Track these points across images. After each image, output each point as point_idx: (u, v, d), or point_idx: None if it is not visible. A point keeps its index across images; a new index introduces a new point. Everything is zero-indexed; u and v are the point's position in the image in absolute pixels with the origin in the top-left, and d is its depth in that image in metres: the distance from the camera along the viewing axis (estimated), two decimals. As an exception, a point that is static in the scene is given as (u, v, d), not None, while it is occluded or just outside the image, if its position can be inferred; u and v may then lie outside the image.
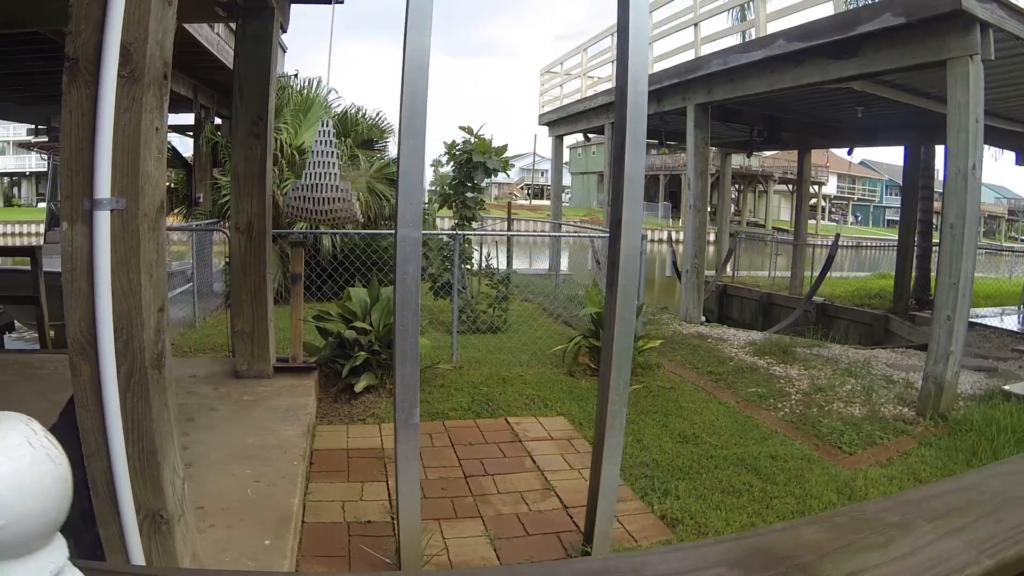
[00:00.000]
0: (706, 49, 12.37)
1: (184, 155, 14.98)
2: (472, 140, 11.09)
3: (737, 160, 41.32)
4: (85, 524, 3.28)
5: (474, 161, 10.86)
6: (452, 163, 11.15)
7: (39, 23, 7.52)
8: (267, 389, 6.93)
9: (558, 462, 5.92)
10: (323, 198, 6.64)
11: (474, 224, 11.10)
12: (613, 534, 4.58)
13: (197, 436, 5.63)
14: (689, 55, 12.78)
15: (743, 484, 5.51)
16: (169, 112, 10.43)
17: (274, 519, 4.30)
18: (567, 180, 75.87)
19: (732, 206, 56.44)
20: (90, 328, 2.91)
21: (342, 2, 7.32)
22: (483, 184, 11.09)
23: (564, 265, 18.35)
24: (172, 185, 14.31)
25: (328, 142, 6.66)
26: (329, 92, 14.71)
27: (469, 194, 10.89)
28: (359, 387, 7.20)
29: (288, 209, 6.89)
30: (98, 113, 2.74)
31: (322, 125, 6.87)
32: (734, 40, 12.23)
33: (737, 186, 56.24)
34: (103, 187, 2.80)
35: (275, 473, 4.99)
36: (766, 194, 57.67)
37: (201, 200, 13.56)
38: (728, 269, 20.27)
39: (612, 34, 16.75)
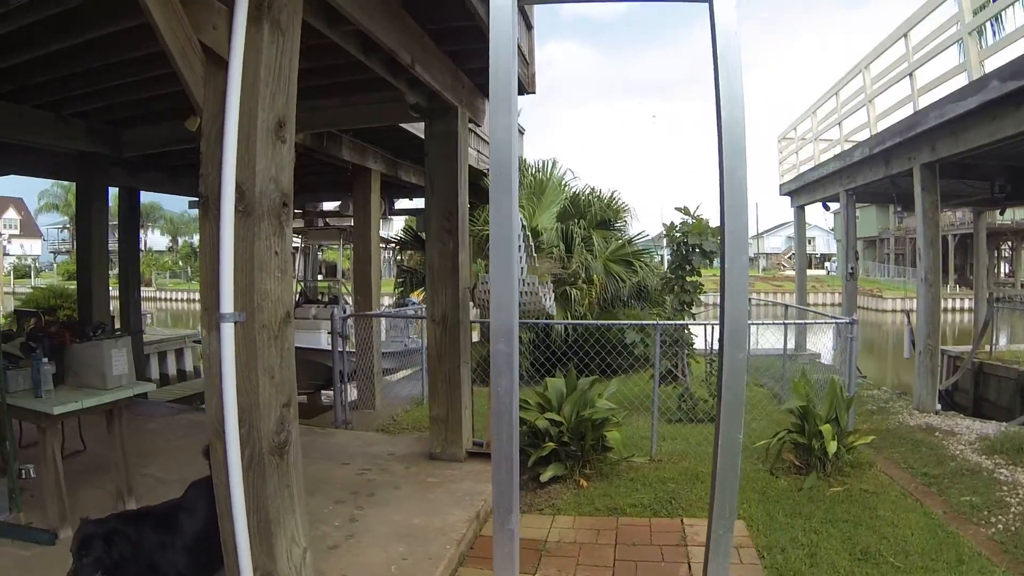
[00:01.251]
0: (927, 100, 11.87)
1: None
2: (689, 221, 11.52)
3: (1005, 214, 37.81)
4: None
5: (690, 244, 11.28)
6: (671, 245, 11.60)
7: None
8: (454, 472, 7.78)
9: (717, 573, 6.10)
10: (509, 292, 7.37)
11: (693, 309, 11.46)
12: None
13: (370, 511, 6.56)
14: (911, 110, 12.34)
15: (907, 624, 5.30)
16: (405, 199, 11.91)
17: (402, 597, 5.02)
18: (832, 247, 72.89)
19: (1005, 266, 51.55)
20: (221, 417, 3.78)
21: (533, 92, 8.24)
22: (700, 267, 11.41)
23: (813, 346, 17.97)
24: (416, 267, 15.89)
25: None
26: (565, 173, 15.73)
27: (688, 278, 11.29)
28: (545, 477, 7.80)
29: (478, 302, 7.71)
30: (220, 242, 3.67)
31: (508, 218, 7.64)
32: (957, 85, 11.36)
33: (1009, 244, 51.73)
34: (227, 303, 3.71)
35: (424, 554, 5.73)
36: (1041, 253, 51.55)
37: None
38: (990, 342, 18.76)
39: (835, 94, 16.43)
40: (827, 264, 74.38)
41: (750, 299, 20.06)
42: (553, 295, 10.19)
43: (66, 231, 78.85)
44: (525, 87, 8.59)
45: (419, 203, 15.79)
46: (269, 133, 3.85)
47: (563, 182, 15.85)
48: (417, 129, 9.91)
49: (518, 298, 7.48)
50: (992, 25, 10.46)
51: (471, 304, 8.23)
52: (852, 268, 16.40)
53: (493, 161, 3.75)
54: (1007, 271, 52.45)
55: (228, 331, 3.71)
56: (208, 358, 3.87)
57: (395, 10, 6.13)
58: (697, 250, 11.24)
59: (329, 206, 18.06)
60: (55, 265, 77.98)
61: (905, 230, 53.23)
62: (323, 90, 8.48)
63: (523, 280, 7.46)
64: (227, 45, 3.78)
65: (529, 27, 8.90)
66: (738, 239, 3.86)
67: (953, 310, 44.82)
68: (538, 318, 9.26)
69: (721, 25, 3.63)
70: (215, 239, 3.69)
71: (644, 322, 11.33)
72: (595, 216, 15.60)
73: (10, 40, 6.40)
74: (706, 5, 3.70)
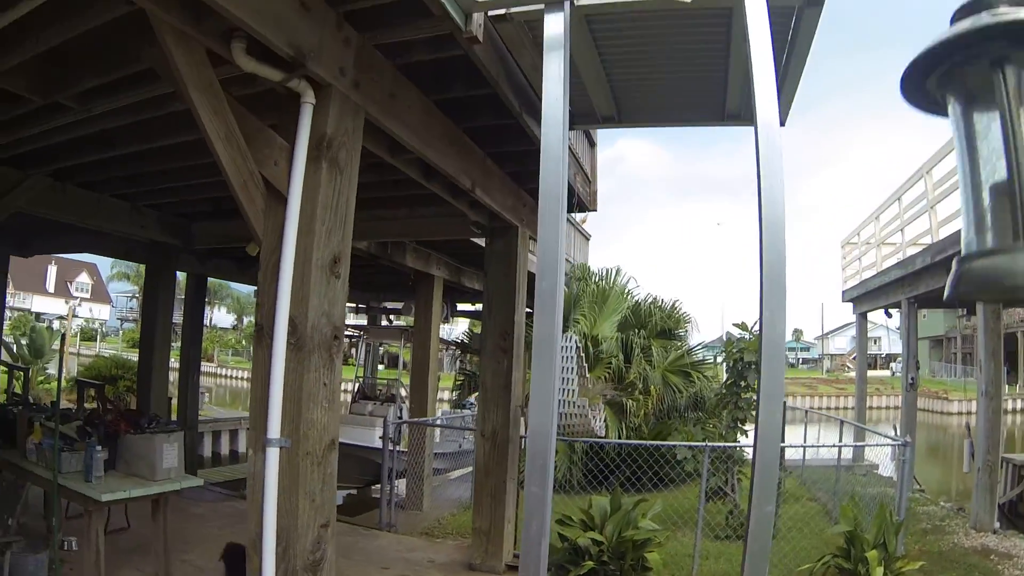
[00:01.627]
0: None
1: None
2: (747, 337, 11.47)
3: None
4: None
5: (745, 360, 11.23)
6: (727, 360, 11.69)
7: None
8: (491, 586, 7.88)
9: None
10: (559, 413, 7.53)
11: (746, 425, 11.37)
12: None
13: (402, 623, 6.69)
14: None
15: None
16: (469, 304, 12.28)
17: None
18: (897, 347, 71.54)
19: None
20: (260, 533, 4.02)
21: (595, 211, 8.53)
22: (755, 384, 11.31)
23: (871, 456, 17.56)
24: (475, 370, 16.19)
25: (568, 357, 7.59)
26: (628, 281, 15.96)
27: (743, 395, 11.36)
28: (581, 595, 7.86)
29: (526, 420, 7.88)
30: (271, 371, 3.97)
31: (565, 340, 7.82)
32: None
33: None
34: (274, 428, 3.99)
35: (451, 672, 5.86)
36: None
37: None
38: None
39: (898, 199, 16.39)
40: (892, 365, 72.81)
41: (807, 410, 19.88)
42: (603, 416, 10.29)
43: (134, 300, 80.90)
44: (587, 205, 8.90)
45: (480, 307, 16.05)
46: (323, 269, 4.16)
47: (625, 290, 16.08)
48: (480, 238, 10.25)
49: (564, 420, 7.65)
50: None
51: (522, 420, 8.40)
52: (912, 379, 16.09)
53: (536, 319, 3.83)
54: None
55: (273, 455, 3.98)
56: (252, 476, 4.13)
57: (457, 137, 6.50)
58: (753, 367, 11.13)
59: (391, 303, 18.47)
60: (121, 332, 79.91)
61: (972, 328, 51.87)
62: (387, 202, 8.91)
63: (572, 403, 7.61)
64: (287, 181, 4.13)
65: (592, 144, 9.22)
66: (773, 391, 3.99)
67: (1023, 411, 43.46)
68: (587, 437, 9.38)
69: (765, 144, 3.74)
70: (267, 368, 3.99)
71: (693, 443, 11.27)
72: (656, 326, 15.75)
73: (93, 139, 7.02)
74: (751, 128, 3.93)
